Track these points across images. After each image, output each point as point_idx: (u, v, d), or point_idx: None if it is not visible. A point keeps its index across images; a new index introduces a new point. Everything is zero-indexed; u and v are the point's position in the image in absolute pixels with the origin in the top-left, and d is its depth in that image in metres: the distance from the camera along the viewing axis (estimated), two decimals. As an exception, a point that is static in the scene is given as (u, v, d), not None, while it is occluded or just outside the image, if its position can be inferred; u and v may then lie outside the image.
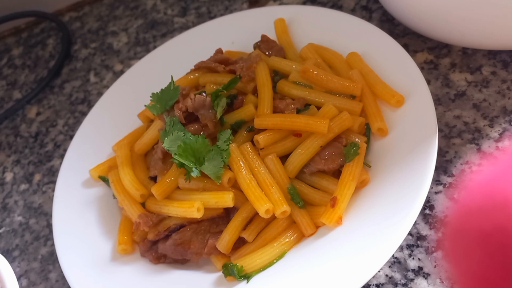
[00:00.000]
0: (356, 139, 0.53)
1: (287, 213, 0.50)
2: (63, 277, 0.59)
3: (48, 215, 0.67)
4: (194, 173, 0.52)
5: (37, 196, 0.70)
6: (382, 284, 0.48)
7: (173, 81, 0.58)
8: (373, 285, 0.49)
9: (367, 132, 0.55)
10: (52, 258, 0.63)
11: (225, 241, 0.51)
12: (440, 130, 0.55)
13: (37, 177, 0.73)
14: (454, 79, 0.59)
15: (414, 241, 0.50)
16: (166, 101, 0.58)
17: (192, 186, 0.54)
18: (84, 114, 0.77)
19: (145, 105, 0.60)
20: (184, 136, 0.53)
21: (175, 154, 0.52)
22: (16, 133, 0.80)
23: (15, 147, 0.78)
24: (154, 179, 0.59)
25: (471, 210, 0.25)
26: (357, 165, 0.51)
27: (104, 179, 0.62)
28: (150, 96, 0.58)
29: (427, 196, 0.50)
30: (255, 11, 0.71)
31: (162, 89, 0.58)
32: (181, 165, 0.53)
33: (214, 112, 0.56)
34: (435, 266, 0.48)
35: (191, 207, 0.52)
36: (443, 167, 0.53)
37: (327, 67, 0.60)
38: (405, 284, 0.47)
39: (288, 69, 0.59)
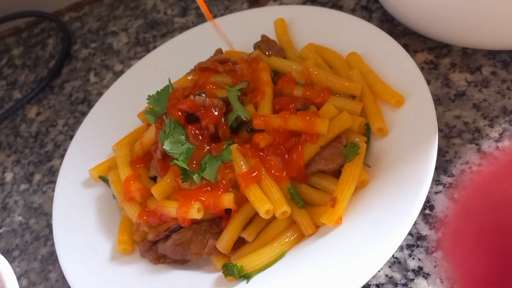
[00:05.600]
0: (356, 139, 0.53)
1: (287, 214, 0.50)
2: (63, 277, 0.59)
3: (48, 215, 0.67)
4: (197, 179, 0.52)
5: (37, 196, 0.70)
6: (382, 284, 0.48)
7: (171, 84, 0.58)
8: (373, 285, 0.49)
9: (367, 132, 0.55)
10: (52, 258, 0.63)
11: (225, 241, 0.51)
12: (440, 130, 0.55)
13: (37, 177, 0.73)
14: (454, 79, 0.59)
15: (414, 241, 0.50)
16: (166, 103, 0.58)
17: (192, 187, 0.54)
18: (84, 114, 0.77)
19: (145, 109, 0.59)
20: (185, 140, 0.53)
21: (177, 159, 0.52)
22: (16, 133, 0.80)
23: (15, 147, 0.78)
24: (154, 179, 0.59)
25: (471, 210, 0.25)
26: (357, 165, 0.51)
27: (104, 179, 0.62)
28: (147, 99, 0.58)
29: (427, 196, 0.50)
30: (255, 11, 0.71)
31: (158, 91, 0.58)
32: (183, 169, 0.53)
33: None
34: (435, 266, 0.48)
35: (191, 208, 0.52)
36: (443, 167, 0.53)
37: (327, 67, 0.60)
38: (405, 284, 0.47)
39: (288, 69, 0.59)
